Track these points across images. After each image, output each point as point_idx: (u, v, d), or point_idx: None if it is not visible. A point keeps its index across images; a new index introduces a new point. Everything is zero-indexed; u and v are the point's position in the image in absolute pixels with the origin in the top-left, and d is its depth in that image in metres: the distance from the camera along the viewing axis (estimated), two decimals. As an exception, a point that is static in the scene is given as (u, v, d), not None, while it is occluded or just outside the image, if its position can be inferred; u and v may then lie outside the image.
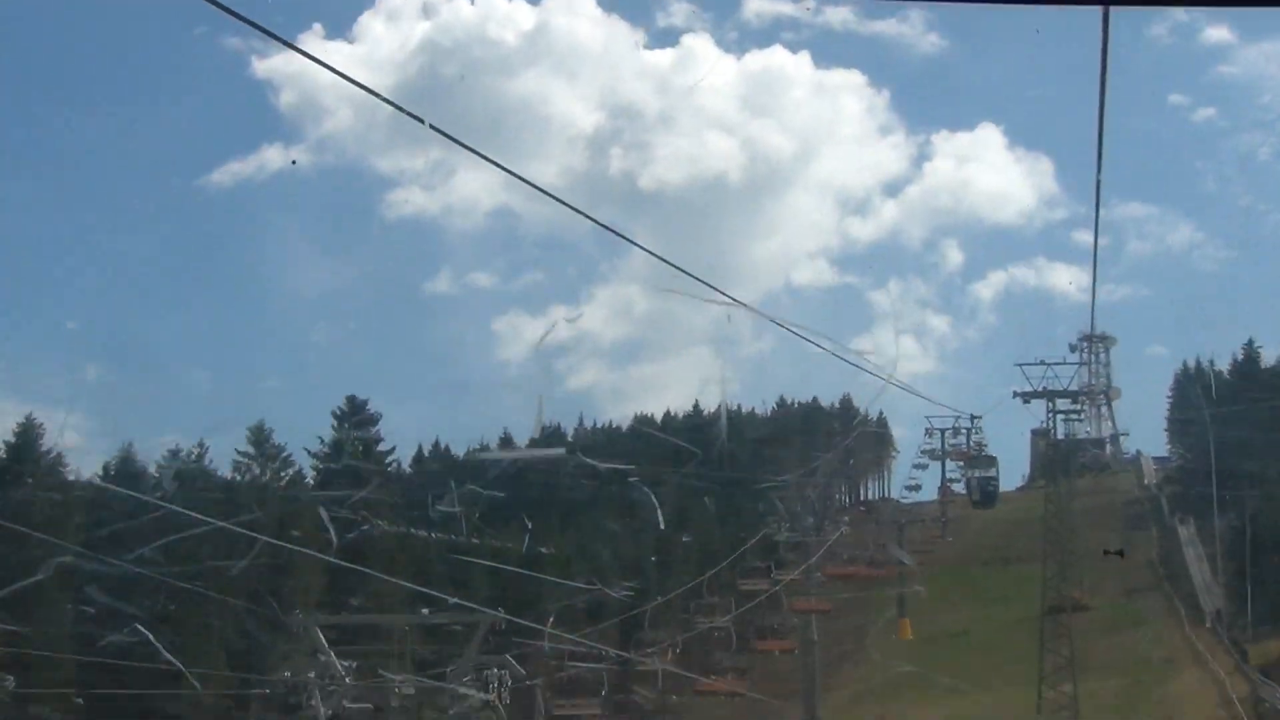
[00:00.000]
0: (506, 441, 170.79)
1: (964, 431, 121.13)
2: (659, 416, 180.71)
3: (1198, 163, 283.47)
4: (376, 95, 14.19)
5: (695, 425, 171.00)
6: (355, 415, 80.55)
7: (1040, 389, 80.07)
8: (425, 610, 34.02)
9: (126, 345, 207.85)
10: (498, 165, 15.79)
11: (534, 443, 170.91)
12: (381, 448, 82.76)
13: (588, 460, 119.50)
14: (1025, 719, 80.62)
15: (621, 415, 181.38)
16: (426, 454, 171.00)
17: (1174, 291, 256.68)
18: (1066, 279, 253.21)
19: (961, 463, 75.22)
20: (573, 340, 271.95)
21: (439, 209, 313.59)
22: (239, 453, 72.31)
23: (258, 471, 71.39)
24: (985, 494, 74.97)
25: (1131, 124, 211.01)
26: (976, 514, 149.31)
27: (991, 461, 75.27)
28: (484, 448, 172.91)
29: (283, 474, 72.38)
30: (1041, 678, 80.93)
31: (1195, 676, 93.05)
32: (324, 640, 31.33)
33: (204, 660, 56.55)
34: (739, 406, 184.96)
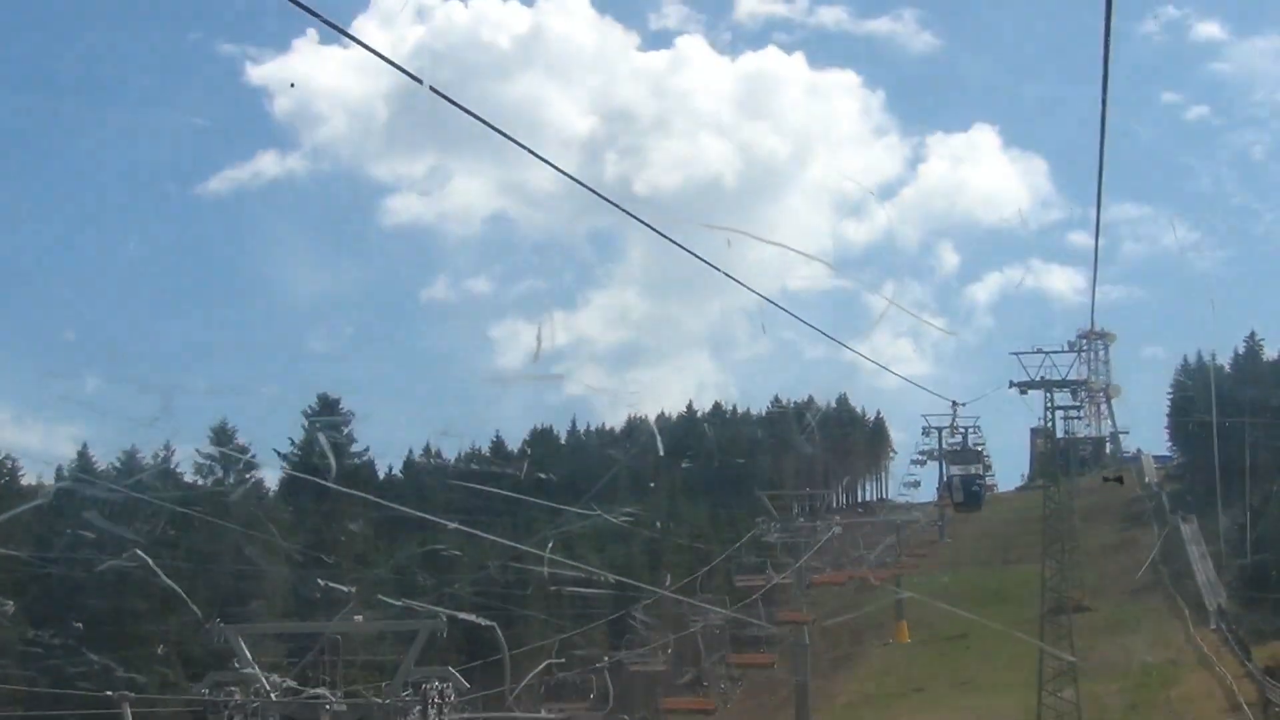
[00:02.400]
0: (498, 445, 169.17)
1: (962, 431, 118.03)
2: (653, 419, 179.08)
3: (1192, 161, 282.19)
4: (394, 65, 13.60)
5: (688, 427, 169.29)
6: (327, 414, 77.76)
7: (1038, 379, 77.51)
8: (358, 617, 31.09)
9: (124, 354, 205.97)
10: (502, 134, 13.94)
11: (526, 444, 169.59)
12: (355, 448, 79.75)
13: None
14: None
15: (617, 419, 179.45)
16: (417, 458, 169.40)
17: (1170, 291, 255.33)
18: (1063, 280, 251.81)
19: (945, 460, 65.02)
20: (570, 346, 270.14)
21: (435, 215, 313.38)
22: (200, 453, 69.49)
23: (220, 473, 68.61)
24: (969, 494, 62.58)
25: (1124, 122, 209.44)
26: (978, 514, 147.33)
27: (976, 456, 63.83)
28: (475, 452, 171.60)
29: (247, 475, 69.55)
30: (1041, 682, 78.16)
31: (1201, 679, 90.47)
32: (246, 650, 28.34)
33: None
34: (734, 408, 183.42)
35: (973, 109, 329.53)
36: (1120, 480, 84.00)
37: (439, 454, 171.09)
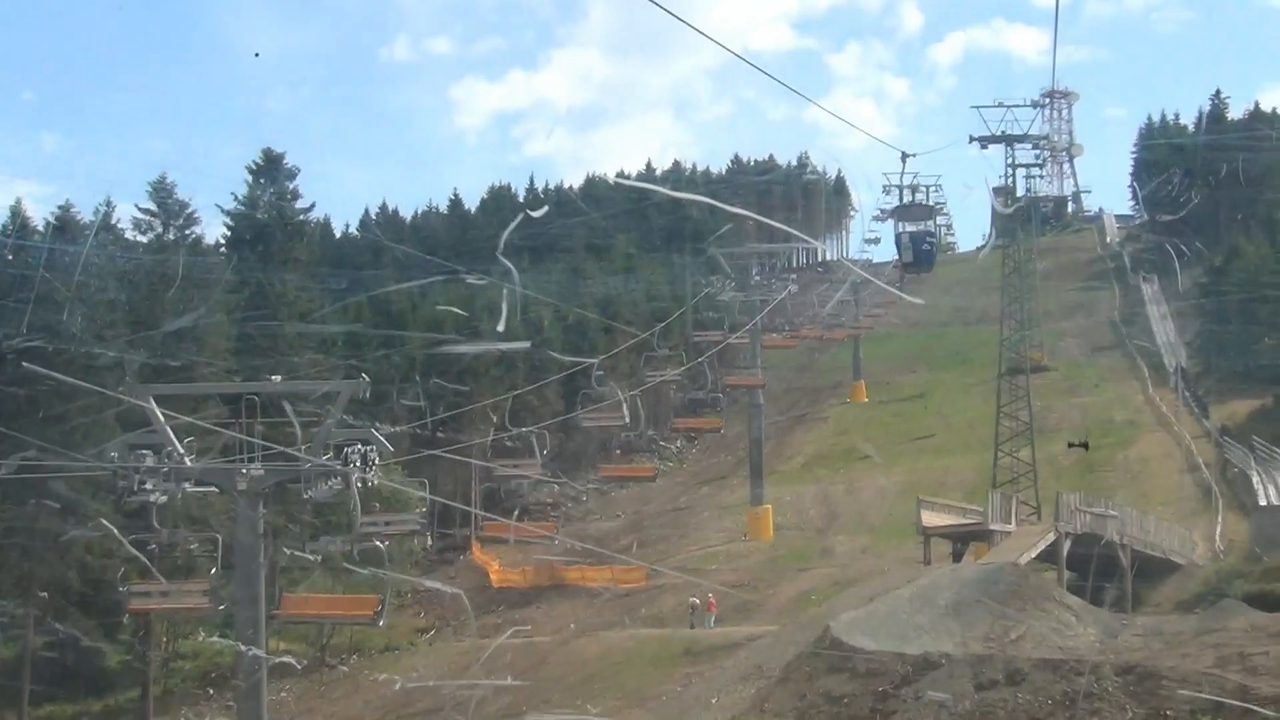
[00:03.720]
0: (455, 203, 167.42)
1: (912, 186, 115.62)
2: (611, 177, 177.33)
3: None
4: None
5: (648, 184, 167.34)
6: (271, 169, 75.43)
7: (999, 134, 75.54)
8: (275, 377, 29.50)
9: (83, 114, 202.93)
10: None
11: (483, 203, 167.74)
12: (301, 204, 77.50)
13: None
14: (982, 483, 77.16)
15: (577, 178, 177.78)
16: (374, 216, 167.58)
17: (1134, 52, 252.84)
18: (1027, 40, 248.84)
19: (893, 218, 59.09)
20: (531, 107, 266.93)
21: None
22: (139, 209, 67.21)
23: (160, 229, 66.44)
24: (920, 253, 56.72)
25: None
26: (935, 273, 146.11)
27: (927, 212, 58.27)
28: (432, 210, 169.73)
29: (188, 231, 67.40)
30: (997, 441, 77.28)
31: (1159, 439, 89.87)
32: (159, 412, 26.77)
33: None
34: (693, 166, 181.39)
35: None
36: (1085, 446, 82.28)
37: (395, 212, 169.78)
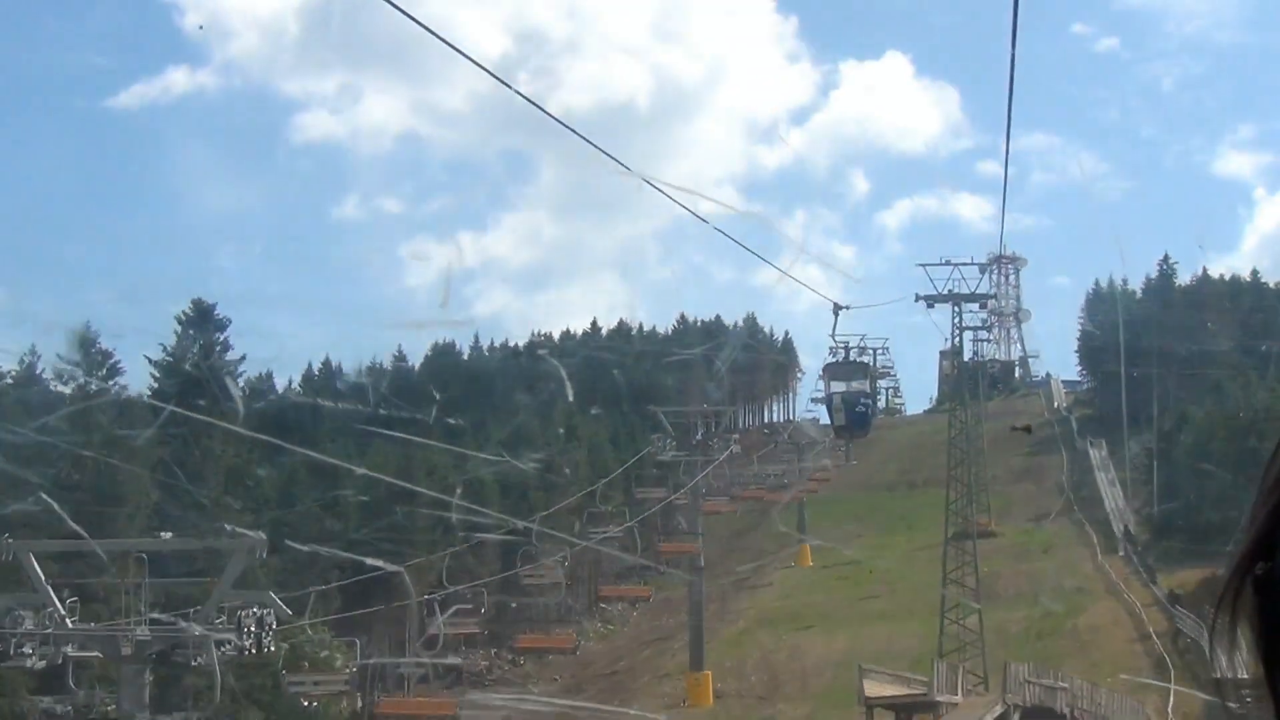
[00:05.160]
0: (400, 358, 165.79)
1: (870, 350, 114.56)
2: (557, 336, 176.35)
3: (1101, 93, 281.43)
4: None
5: (592, 343, 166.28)
6: (201, 320, 73.73)
7: (945, 293, 74.72)
8: (165, 534, 27.59)
9: (29, 268, 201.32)
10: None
11: (427, 360, 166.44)
12: (231, 356, 75.73)
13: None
14: (927, 651, 75.38)
15: (522, 336, 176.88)
16: (316, 372, 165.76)
17: (1079, 221, 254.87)
18: (973, 208, 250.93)
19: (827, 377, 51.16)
20: (480, 267, 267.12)
21: (346, 133, 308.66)
22: (60, 358, 65.41)
23: (82, 380, 64.59)
24: (854, 416, 50.14)
25: (1035, 53, 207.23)
26: (882, 435, 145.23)
27: (861, 370, 51.47)
28: (376, 366, 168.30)
29: (111, 383, 65.53)
30: (944, 609, 75.58)
31: (1109, 607, 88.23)
32: (40, 572, 24.78)
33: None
34: (640, 326, 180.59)
35: (886, 36, 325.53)
36: (1029, 430, 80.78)
37: (339, 368, 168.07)
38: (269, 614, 25.42)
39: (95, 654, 26.80)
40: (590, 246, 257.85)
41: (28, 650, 25.17)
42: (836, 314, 41.66)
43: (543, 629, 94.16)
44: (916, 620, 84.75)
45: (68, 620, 25.10)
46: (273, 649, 26.16)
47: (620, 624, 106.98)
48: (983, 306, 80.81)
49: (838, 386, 49.88)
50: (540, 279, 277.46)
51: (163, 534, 27.36)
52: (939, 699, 58.45)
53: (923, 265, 78.97)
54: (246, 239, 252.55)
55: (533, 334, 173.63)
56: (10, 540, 25.59)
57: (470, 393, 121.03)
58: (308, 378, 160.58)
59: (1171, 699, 69.15)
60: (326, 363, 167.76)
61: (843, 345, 48.73)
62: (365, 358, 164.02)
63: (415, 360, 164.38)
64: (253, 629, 25.13)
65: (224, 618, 25.34)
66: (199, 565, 27.96)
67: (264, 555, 25.42)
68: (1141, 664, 76.77)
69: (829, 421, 54.86)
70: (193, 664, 26.27)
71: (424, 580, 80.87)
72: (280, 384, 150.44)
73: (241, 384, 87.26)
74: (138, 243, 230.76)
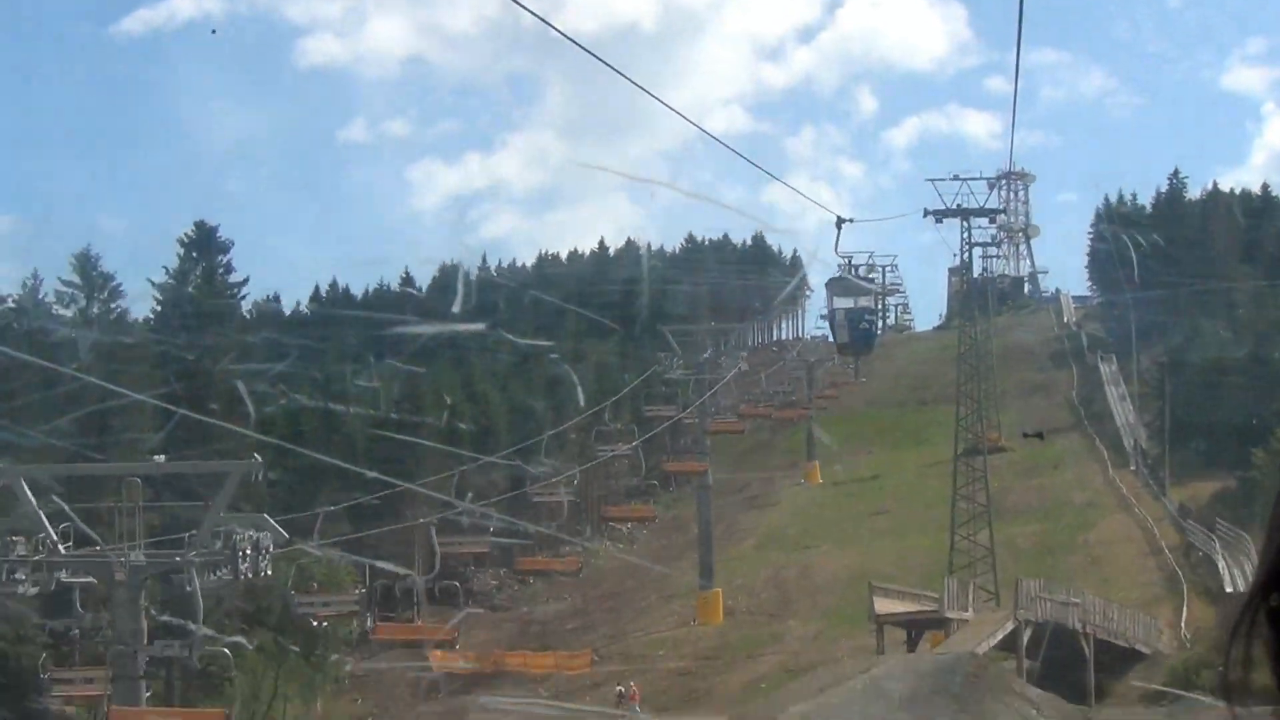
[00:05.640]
0: (407, 281, 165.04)
1: (880, 269, 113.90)
2: (565, 257, 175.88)
3: (1109, 7, 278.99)
4: None
5: (600, 263, 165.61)
6: (204, 242, 72.95)
7: (954, 207, 73.78)
8: (159, 457, 27.08)
9: (40, 195, 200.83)
10: None
11: (434, 281, 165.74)
12: (234, 278, 75.01)
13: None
14: (938, 567, 74.94)
15: (529, 257, 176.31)
16: (324, 294, 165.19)
17: (1088, 136, 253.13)
18: (980, 125, 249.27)
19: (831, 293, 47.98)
20: (487, 189, 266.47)
21: (352, 57, 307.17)
22: (63, 282, 64.74)
23: (83, 303, 63.97)
24: (857, 333, 47.52)
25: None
26: (892, 352, 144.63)
27: (865, 286, 49.74)
28: (383, 288, 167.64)
29: (112, 306, 64.94)
30: (954, 524, 75.09)
31: (1120, 521, 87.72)
32: (31, 497, 24.27)
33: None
34: (648, 245, 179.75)
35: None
36: (1041, 437, 79.94)
37: (346, 289, 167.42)
38: (265, 537, 24.91)
39: (89, 579, 26.39)
40: (597, 168, 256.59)
41: (20, 576, 24.75)
42: (839, 227, 39.40)
43: (551, 548, 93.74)
44: (927, 536, 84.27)
45: (60, 546, 24.60)
46: (269, 573, 25.65)
47: (629, 543, 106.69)
48: (992, 221, 79.57)
49: (841, 303, 47.24)
50: (548, 201, 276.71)
51: (156, 457, 26.82)
52: (950, 615, 58.04)
53: (931, 180, 78.01)
54: (254, 164, 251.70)
55: (540, 254, 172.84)
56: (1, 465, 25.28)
57: (476, 314, 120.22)
58: (315, 299, 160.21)
59: (1185, 612, 68.70)
60: (334, 285, 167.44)
61: (846, 259, 46.28)
62: (373, 281, 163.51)
63: (423, 283, 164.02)
64: (248, 553, 24.67)
65: (220, 542, 24.89)
66: (211, 489, 27.56)
67: (260, 478, 24.89)
68: (1153, 578, 76.33)
69: (834, 339, 51.60)
70: (187, 589, 25.87)
71: (432, 501, 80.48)
72: (288, 306, 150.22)
73: (249, 307, 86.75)
74: (144, 170, 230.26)
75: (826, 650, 68.74)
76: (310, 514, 64.73)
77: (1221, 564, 72.49)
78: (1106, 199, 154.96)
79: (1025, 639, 55.43)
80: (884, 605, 59.41)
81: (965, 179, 76.12)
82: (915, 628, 59.93)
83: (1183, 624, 67.32)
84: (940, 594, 59.54)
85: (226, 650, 26.99)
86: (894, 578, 71.84)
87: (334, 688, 74.78)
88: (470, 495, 79.02)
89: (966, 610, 59.75)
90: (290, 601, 63.26)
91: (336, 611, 67.43)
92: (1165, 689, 55.19)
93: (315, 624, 65.65)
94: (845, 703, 44.83)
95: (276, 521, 28.35)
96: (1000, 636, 55.31)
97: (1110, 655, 59.98)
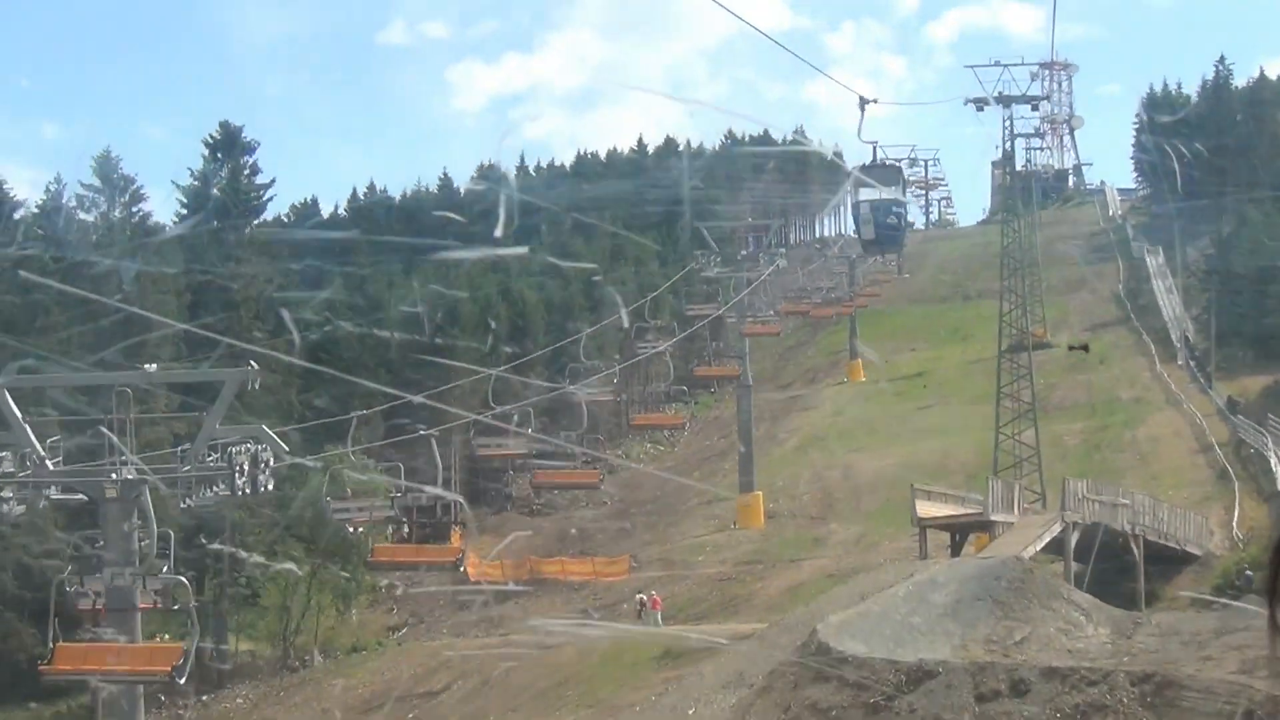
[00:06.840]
0: (445, 183, 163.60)
1: (923, 163, 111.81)
2: (604, 155, 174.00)
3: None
4: None
5: (638, 162, 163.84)
6: (228, 143, 71.40)
7: (995, 95, 72.00)
8: (151, 366, 25.73)
9: (81, 101, 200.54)
10: None
11: (473, 181, 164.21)
12: (260, 179, 73.44)
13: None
14: (983, 465, 73.46)
15: (568, 157, 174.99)
16: (362, 197, 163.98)
17: (1131, 28, 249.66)
18: (1022, 18, 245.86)
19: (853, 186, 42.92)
20: (527, 89, 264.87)
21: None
22: (83, 185, 63.36)
23: (104, 206, 62.61)
24: (883, 229, 41.86)
25: None
26: (935, 248, 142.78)
27: (894, 175, 42.95)
28: (421, 189, 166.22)
29: (134, 209, 63.55)
30: (999, 422, 73.52)
31: (1168, 417, 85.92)
32: (15, 410, 22.95)
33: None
34: (687, 142, 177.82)
35: None
36: (1086, 349, 78.11)
37: (384, 191, 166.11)
38: (264, 450, 23.56)
39: (79, 496, 25.12)
40: (637, 66, 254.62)
41: (7, 495, 23.51)
42: (863, 109, 34.08)
43: (595, 445, 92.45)
44: (971, 434, 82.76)
45: (48, 462, 23.28)
46: (269, 488, 24.30)
47: (669, 445, 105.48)
48: (1034, 109, 77.76)
49: (866, 194, 41.62)
50: (588, 100, 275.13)
51: (149, 366, 25.51)
52: (995, 518, 56.38)
53: (972, 67, 76.35)
54: (293, 67, 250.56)
55: (579, 153, 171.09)
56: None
57: (515, 213, 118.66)
58: (353, 202, 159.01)
59: (1236, 511, 66.99)
60: (371, 187, 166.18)
61: (874, 145, 41.27)
62: (410, 182, 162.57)
63: (461, 183, 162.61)
64: (246, 467, 23.33)
65: (216, 455, 23.56)
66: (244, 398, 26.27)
67: (255, 386, 23.51)
68: (1203, 475, 74.59)
69: (859, 234, 45.74)
70: (182, 506, 24.59)
71: (468, 404, 79.37)
72: (326, 209, 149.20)
73: (284, 210, 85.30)
74: (180, 77, 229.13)
75: (869, 554, 67.50)
76: (344, 418, 63.44)
77: (1274, 460, 70.67)
78: (1151, 89, 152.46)
79: (1073, 542, 53.91)
80: (926, 509, 57.80)
81: (1007, 64, 74.50)
82: (959, 532, 58.45)
83: (1235, 524, 65.60)
84: (985, 496, 57.94)
85: (183, 579, 25.45)
86: (938, 477, 70.45)
87: (370, 597, 73.99)
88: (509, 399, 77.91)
89: (1012, 512, 58.15)
90: (324, 509, 62.03)
91: (371, 517, 66.21)
92: (1215, 598, 53.47)
93: (351, 530, 64.46)
94: (886, 610, 43.51)
95: (306, 434, 27.26)
96: (1047, 540, 53.78)
97: (1160, 557, 58.47)
